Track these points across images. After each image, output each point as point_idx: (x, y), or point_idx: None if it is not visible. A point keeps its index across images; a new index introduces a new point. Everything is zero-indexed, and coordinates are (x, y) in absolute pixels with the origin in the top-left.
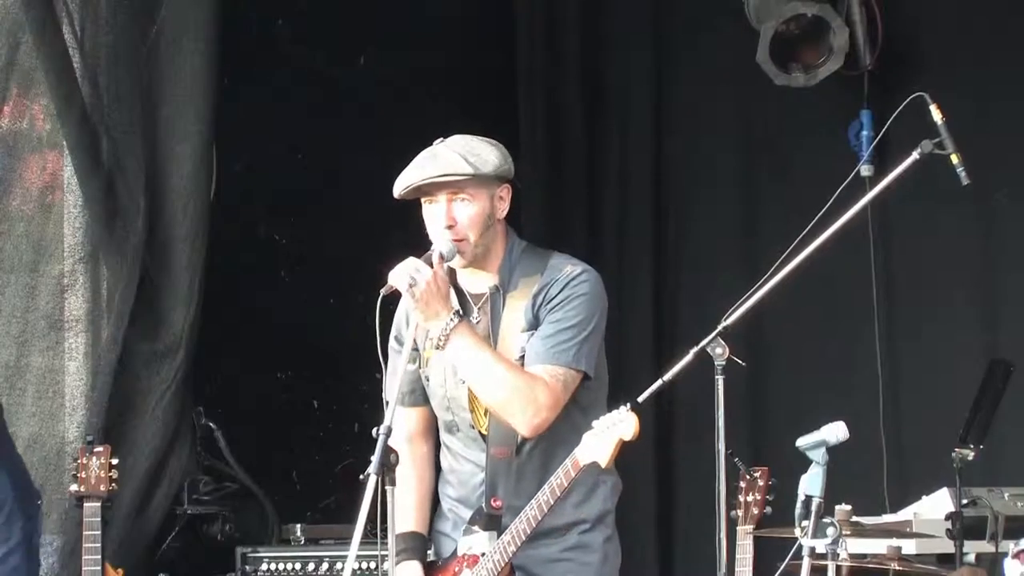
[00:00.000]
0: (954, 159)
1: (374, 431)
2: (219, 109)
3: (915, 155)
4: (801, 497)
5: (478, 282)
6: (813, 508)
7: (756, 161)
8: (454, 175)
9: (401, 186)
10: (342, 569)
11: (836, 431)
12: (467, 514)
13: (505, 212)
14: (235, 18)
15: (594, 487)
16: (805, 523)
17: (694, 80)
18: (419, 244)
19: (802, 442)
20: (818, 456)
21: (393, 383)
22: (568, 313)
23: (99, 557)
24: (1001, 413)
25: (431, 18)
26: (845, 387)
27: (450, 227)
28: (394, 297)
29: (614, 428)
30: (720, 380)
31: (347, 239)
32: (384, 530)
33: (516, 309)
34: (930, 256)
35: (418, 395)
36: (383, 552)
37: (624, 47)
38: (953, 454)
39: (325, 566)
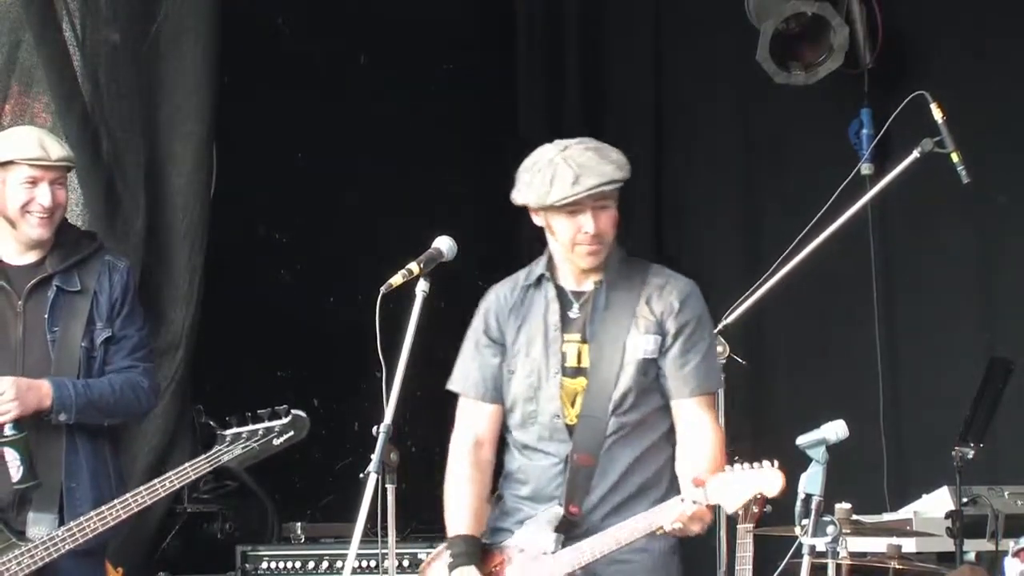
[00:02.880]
0: (954, 157)
1: (374, 430)
2: (219, 109)
3: (915, 153)
4: (801, 495)
5: (583, 280)
6: (813, 506)
7: (756, 160)
8: (614, 182)
9: (559, 196)
10: (342, 568)
11: (836, 429)
12: (538, 509)
13: None
14: (235, 17)
15: (667, 495)
16: (805, 521)
17: (694, 79)
18: (417, 241)
19: (802, 440)
20: (818, 455)
21: (470, 376)
22: (704, 335)
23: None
24: (1001, 412)
25: (431, 18)
26: (845, 386)
27: (597, 234)
28: (394, 296)
29: (756, 482)
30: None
31: (347, 239)
32: (384, 528)
33: (620, 306)
34: (930, 255)
35: (498, 391)
36: (383, 551)
37: (624, 46)
38: (953, 452)
39: (325, 564)
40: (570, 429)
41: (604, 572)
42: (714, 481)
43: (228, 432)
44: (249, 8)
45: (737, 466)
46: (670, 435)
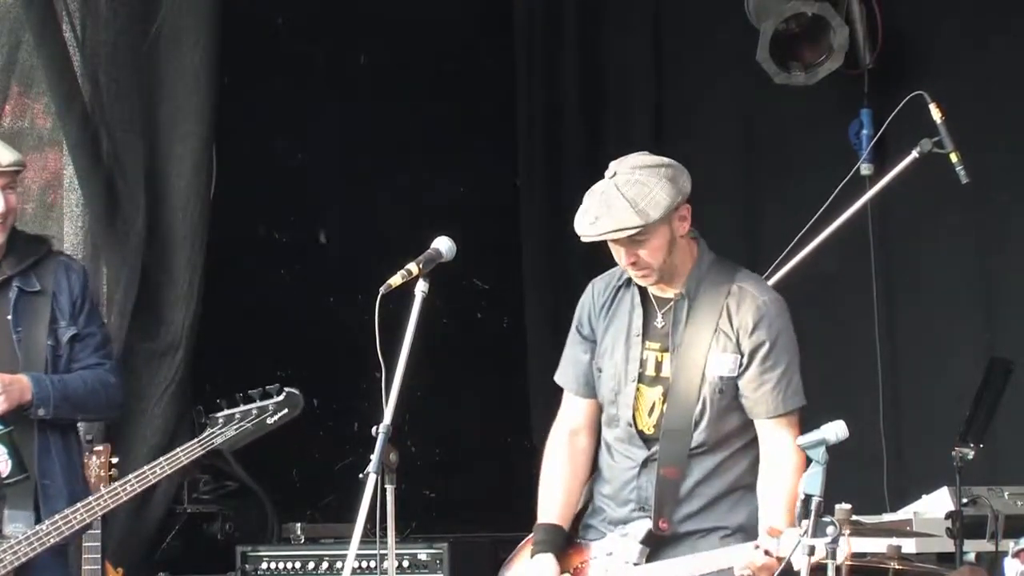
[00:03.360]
0: (953, 157)
1: (374, 430)
2: (219, 109)
3: (914, 153)
4: (801, 496)
5: (667, 288)
6: (813, 507)
7: (756, 160)
8: (625, 230)
9: (579, 232)
10: (342, 568)
11: (836, 430)
12: (617, 511)
13: (687, 228)
14: (235, 17)
15: (742, 497)
16: (805, 522)
17: (694, 80)
18: (418, 242)
19: (802, 441)
20: (818, 455)
21: (567, 370)
22: (781, 355)
23: (99, 556)
24: (1001, 412)
25: (431, 18)
26: (845, 386)
27: (633, 264)
28: (393, 295)
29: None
30: None
31: (347, 239)
32: (384, 529)
33: (701, 319)
34: (930, 255)
35: (590, 387)
36: (382, 551)
37: (624, 46)
38: (953, 453)
39: (325, 565)
40: (644, 437)
41: None
42: (790, 534)
43: (220, 415)
44: (249, 8)
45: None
46: (752, 445)
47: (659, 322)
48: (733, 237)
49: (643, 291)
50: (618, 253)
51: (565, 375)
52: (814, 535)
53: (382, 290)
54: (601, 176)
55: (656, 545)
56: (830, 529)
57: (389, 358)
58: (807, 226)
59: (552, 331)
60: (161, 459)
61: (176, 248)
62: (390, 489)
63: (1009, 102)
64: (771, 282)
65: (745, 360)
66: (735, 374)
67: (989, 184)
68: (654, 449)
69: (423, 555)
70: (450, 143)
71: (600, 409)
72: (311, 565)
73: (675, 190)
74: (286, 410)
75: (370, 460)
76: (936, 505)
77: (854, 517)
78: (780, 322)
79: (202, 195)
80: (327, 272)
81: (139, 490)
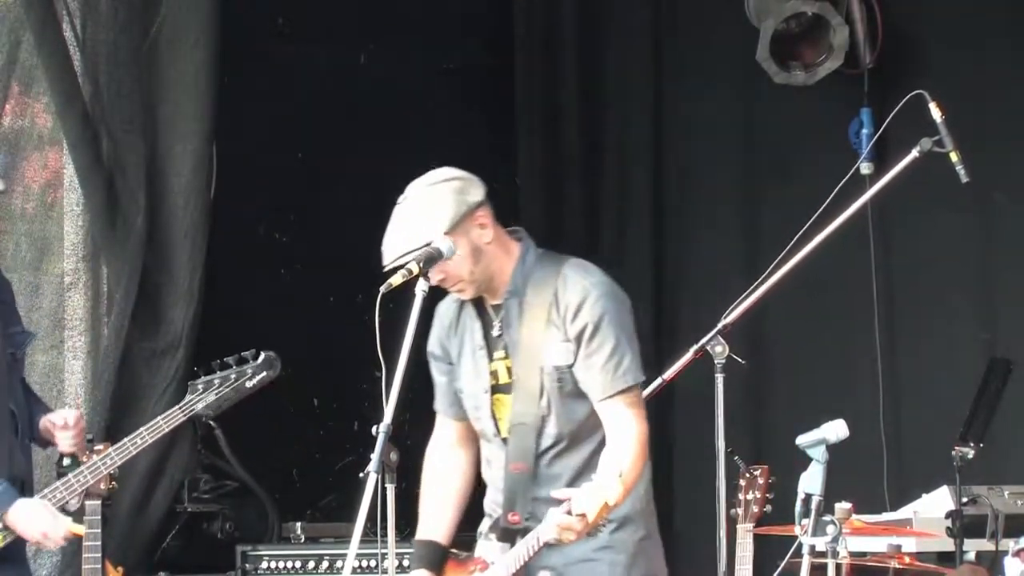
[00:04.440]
0: (953, 157)
1: (374, 429)
2: (219, 108)
3: (914, 153)
4: (801, 495)
5: (496, 294)
6: (813, 506)
7: (756, 160)
8: (412, 252)
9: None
10: (342, 568)
11: (836, 429)
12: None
13: (491, 235)
14: (235, 17)
15: None
16: (805, 521)
17: (694, 79)
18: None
19: (802, 440)
20: (818, 454)
21: (437, 394)
22: (607, 335)
23: (99, 555)
24: (1001, 411)
25: (431, 18)
26: (845, 385)
27: (443, 281)
28: (394, 294)
29: (602, 491)
30: (720, 378)
31: (347, 239)
32: (384, 528)
33: (533, 315)
34: (930, 255)
35: (458, 407)
36: (383, 551)
37: (623, 46)
38: (953, 452)
39: (325, 564)
40: (507, 442)
41: (572, 572)
42: (576, 494)
43: (199, 381)
44: (249, 8)
45: (594, 476)
46: None
47: (495, 330)
48: (733, 237)
49: (479, 303)
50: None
51: (436, 400)
52: (814, 534)
53: (382, 289)
54: (601, 175)
55: (514, 540)
56: (830, 528)
57: (389, 358)
58: (807, 226)
59: None
60: (141, 429)
61: (176, 248)
62: (390, 488)
63: (1009, 101)
64: (771, 282)
65: (574, 345)
66: (570, 362)
67: (988, 183)
68: None
69: None
70: (450, 143)
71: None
72: (311, 565)
73: (460, 201)
74: (264, 372)
75: (370, 460)
76: (936, 504)
77: (854, 516)
78: (604, 302)
79: (202, 195)
80: (327, 272)
81: (119, 462)
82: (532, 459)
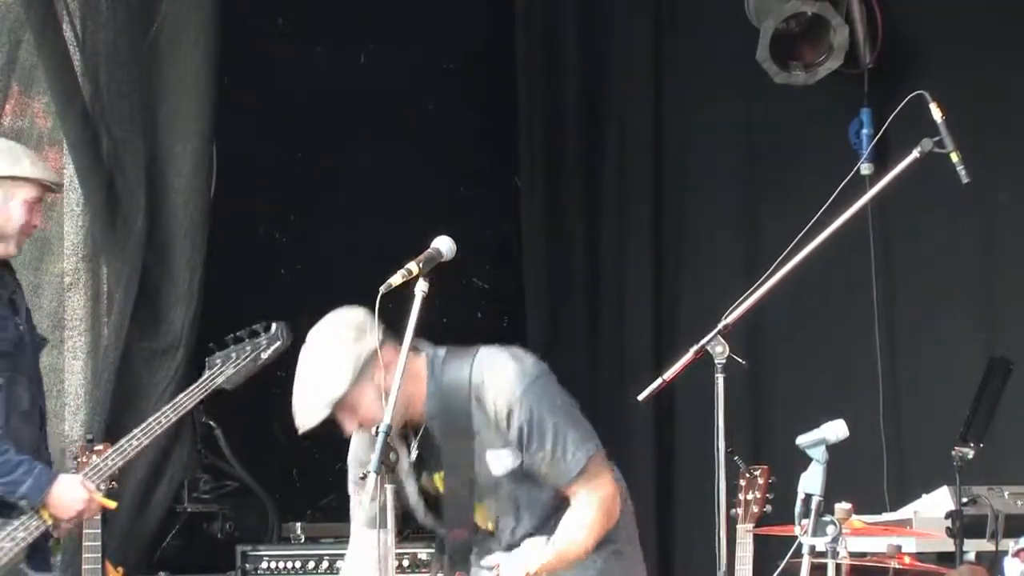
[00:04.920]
0: (954, 157)
1: (374, 429)
2: (219, 108)
3: (915, 153)
4: (801, 495)
5: (414, 417)
6: (813, 506)
7: (756, 160)
8: (315, 423)
9: None
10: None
11: (836, 429)
12: None
13: (391, 372)
14: (235, 17)
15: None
16: (805, 521)
17: (694, 79)
18: (418, 241)
19: (802, 440)
20: (818, 454)
21: (358, 512)
22: (545, 430)
23: (99, 555)
24: (1001, 411)
25: (431, 18)
26: (845, 385)
27: (360, 427)
28: (394, 295)
29: (523, 561)
30: (720, 378)
31: (347, 239)
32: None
33: (457, 433)
34: (930, 255)
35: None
36: (382, 551)
37: (624, 46)
38: (953, 452)
39: (325, 564)
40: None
41: None
42: (504, 561)
43: (216, 356)
44: (249, 8)
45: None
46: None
47: (414, 452)
48: (733, 237)
49: (404, 434)
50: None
51: (353, 520)
52: (814, 534)
53: (382, 290)
54: (602, 178)
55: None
56: (830, 528)
57: None
58: (807, 226)
59: (552, 331)
60: (165, 407)
61: (176, 248)
62: (390, 489)
63: (1009, 101)
64: (771, 282)
65: (516, 449)
66: (519, 462)
67: (989, 184)
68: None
69: (423, 555)
70: (450, 143)
71: None
72: (311, 565)
73: (358, 354)
74: (278, 343)
75: (370, 460)
76: (936, 504)
77: (854, 516)
78: (530, 398)
79: (202, 195)
80: (327, 272)
81: (146, 443)
82: (471, 524)
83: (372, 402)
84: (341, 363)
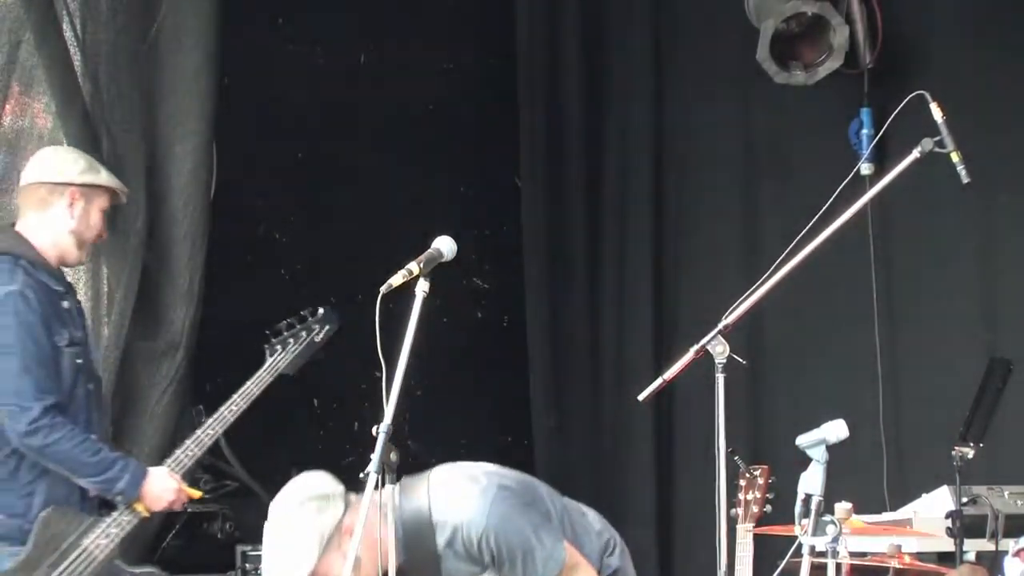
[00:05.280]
0: (954, 157)
1: (374, 430)
2: (219, 108)
3: (915, 153)
4: (801, 495)
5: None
6: (813, 506)
7: (756, 160)
8: None
9: None
10: None
11: (836, 429)
12: None
13: (348, 538)
14: (235, 17)
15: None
16: (805, 521)
17: (694, 79)
18: (417, 241)
19: (802, 440)
20: (818, 454)
21: None
22: (515, 553)
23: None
24: (1001, 411)
25: (431, 18)
26: (845, 385)
27: None
28: (394, 295)
29: None
30: (720, 378)
31: (347, 239)
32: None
33: (429, 567)
34: (930, 255)
35: None
36: (382, 550)
37: (624, 46)
38: (953, 452)
39: None
40: None
41: None
42: None
43: (275, 342)
44: (249, 8)
45: None
46: None
47: None
48: (733, 238)
49: None
50: None
51: None
52: (814, 534)
53: (383, 290)
54: (602, 178)
55: None
56: (830, 528)
57: (389, 358)
58: (807, 226)
59: (552, 331)
60: (234, 396)
61: (176, 248)
62: (391, 488)
63: (1009, 101)
64: (771, 282)
65: (493, 569)
66: None
67: (989, 184)
68: None
69: None
70: (450, 143)
71: None
72: None
73: (323, 526)
74: (328, 325)
75: (370, 460)
76: (936, 504)
77: (854, 516)
78: (496, 528)
79: (202, 195)
80: (327, 272)
81: (220, 431)
82: None
83: (341, 569)
84: (306, 539)
